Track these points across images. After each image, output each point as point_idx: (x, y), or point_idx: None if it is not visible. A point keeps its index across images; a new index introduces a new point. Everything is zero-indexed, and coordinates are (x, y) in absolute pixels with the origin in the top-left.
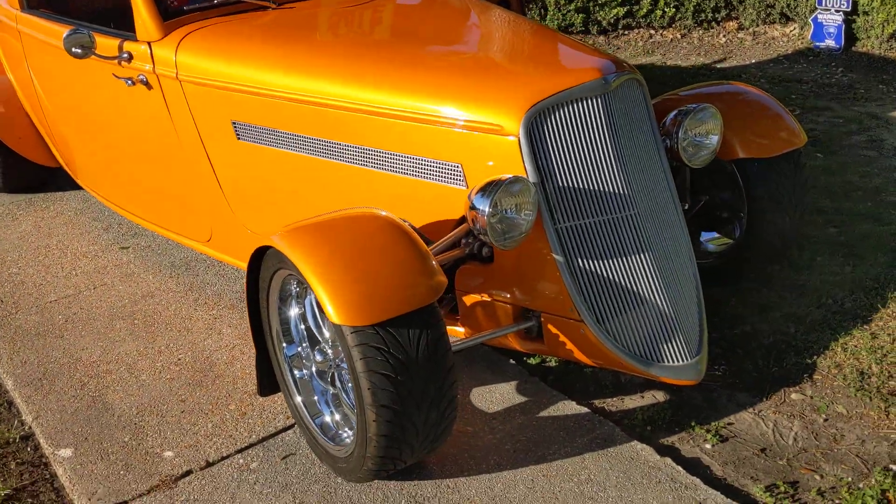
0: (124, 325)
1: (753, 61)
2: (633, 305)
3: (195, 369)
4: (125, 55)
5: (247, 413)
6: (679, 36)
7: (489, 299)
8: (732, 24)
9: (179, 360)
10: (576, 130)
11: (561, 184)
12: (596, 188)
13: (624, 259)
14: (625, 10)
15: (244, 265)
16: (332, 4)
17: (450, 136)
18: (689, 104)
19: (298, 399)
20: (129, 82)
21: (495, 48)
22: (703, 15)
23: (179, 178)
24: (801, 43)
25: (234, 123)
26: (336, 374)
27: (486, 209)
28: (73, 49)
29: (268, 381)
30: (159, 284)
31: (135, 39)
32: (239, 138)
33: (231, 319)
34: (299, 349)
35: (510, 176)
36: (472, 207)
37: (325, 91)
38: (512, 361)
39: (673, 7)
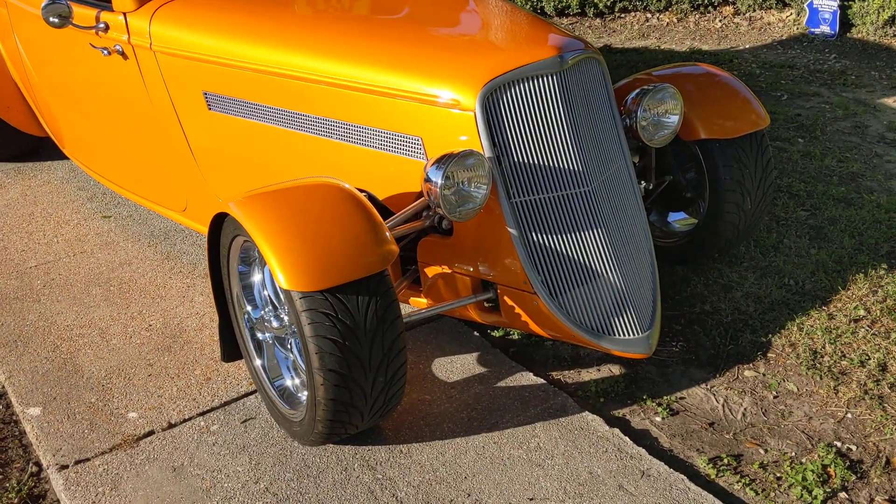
0: (100, 291)
1: (748, 46)
2: (587, 279)
3: (165, 335)
4: (102, 25)
5: (211, 378)
6: (675, 20)
7: (449, 271)
8: (729, 9)
9: (150, 325)
10: (530, 106)
11: (516, 159)
12: (551, 164)
13: (578, 234)
14: None
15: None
16: None
17: (410, 109)
18: (652, 84)
19: (258, 362)
20: (106, 52)
21: (459, 24)
22: None
23: (155, 149)
24: (797, 28)
25: (206, 94)
26: (292, 341)
27: (440, 181)
28: (51, 18)
29: (231, 348)
30: (137, 253)
31: (111, 10)
32: (210, 108)
33: (203, 288)
34: (262, 313)
35: (464, 150)
36: (427, 179)
37: (291, 63)
38: (476, 334)
39: None
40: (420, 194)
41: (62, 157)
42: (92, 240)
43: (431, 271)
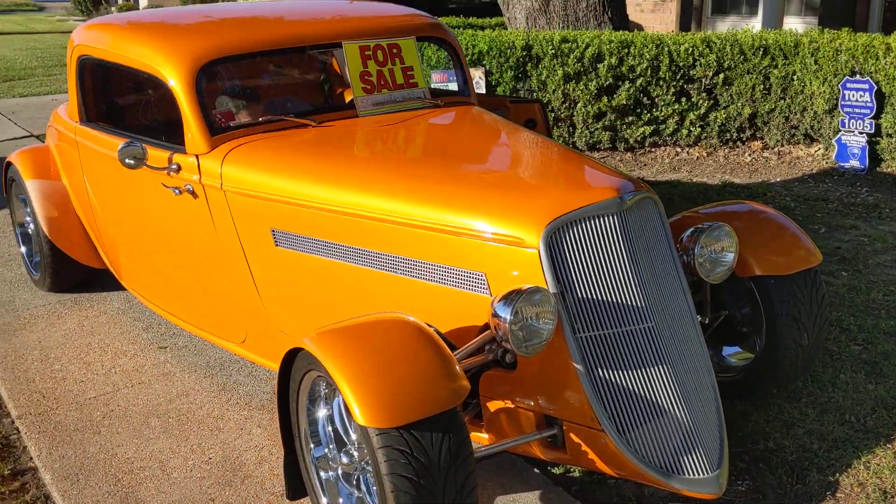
0: (159, 422)
1: (779, 179)
2: (653, 416)
3: (225, 468)
4: (174, 166)
5: None
6: (705, 154)
7: (512, 406)
8: (758, 144)
9: (210, 458)
10: (593, 245)
11: (580, 295)
12: (614, 300)
13: (643, 370)
14: (651, 128)
15: (274, 365)
16: (369, 123)
17: (475, 247)
18: (706, 222)
19: (324, 500)
20: (177, 191)
21: (520, 166)
22: (727, 134)
23: (218, 282)
24: (826, 163)
25: (273, 231)
26: (361, 477)
27: (508, 317)
28: (127, 160)
29: (296, 485)
30: (194, 384)
31: (183, 152)
32: (277, 245)
33: (261, 420)
34: (326, 451)
35: (531, 286)
36: (495, 315)
37: (357, 202)
38: (536, 471)
39: (698, 127)
40: (483, 328)
41: (117, 288)
42: (149, 370)
43: (494, 405)
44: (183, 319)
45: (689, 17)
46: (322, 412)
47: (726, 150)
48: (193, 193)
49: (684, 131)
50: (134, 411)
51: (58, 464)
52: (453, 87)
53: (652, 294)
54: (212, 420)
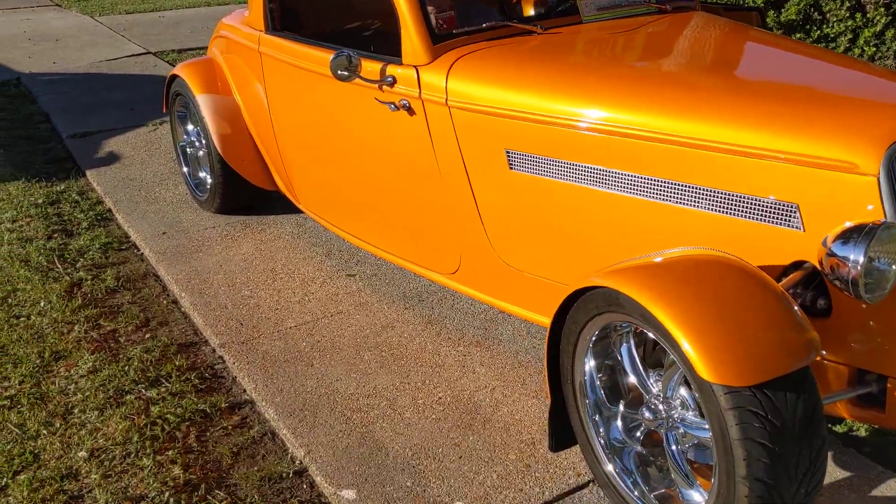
0: (372, 356)
1: None
2: None
3: (459, 410)
4: (388, 79)
5: (531, 465)
6: None
7: (819, 359)
8: None
9: (440, 399)
10: None
11: None
12: None
13: None
14: (821, 46)
15: (491, 300)
16: (600, 29)
17: (784, 172)
18: None
19: (609, 468)
20: (392, 107)
21: (821, 79)
22: None
23: (431, 207)
24: None
25: (508, 152)
26: (669, 436)
27: (860, 258)
28: (339, 72)
29: (561, 437)
30: (396, 315)
31: (399, 63)
32: (511, 167)
33: (481, 357)
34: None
35: (883, 220)
36: (833, 254)
37: (622, 120)
38: None
39: (873, 46)
40: (787, 269)
41: (286, 210)
42: (344, 299)
43: None
44: (379, 246)
45: None
46: (590, 363)
47: None
48: (410, 109)
49: (857, 50)
50: (341, 343)
51: (278, 398)
52: None
53: None
54: (428, 356)
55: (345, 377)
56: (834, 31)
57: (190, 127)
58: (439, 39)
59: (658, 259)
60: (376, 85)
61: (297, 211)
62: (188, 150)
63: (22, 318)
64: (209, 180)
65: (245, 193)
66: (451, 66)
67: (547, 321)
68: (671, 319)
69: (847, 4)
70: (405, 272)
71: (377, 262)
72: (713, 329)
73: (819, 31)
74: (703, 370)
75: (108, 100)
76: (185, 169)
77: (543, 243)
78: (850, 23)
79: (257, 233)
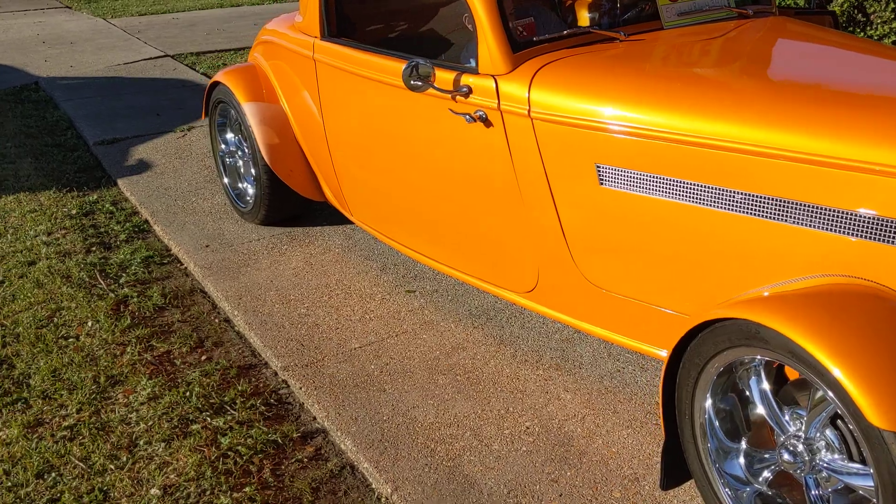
0: (446, 380)
1: None
2: None
3: (551, 441)
4: (463, 89)
5: None
6: None
7: None
8: None
9: (528, 428)
10: None
11: None
12: None
13: None
14: None
15: (571, 319)
16: (684, 36)
17: None
18: None
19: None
20: (468, 118)
21: None
22: None
23: (507, 222)
24: None
25: (599, 167)
26: (808, 480)
27: None
28: (412, 82)
29: (676, 475)
30: (465, 335)
31: (475, 72)
32: (602, 183)
33: (564, 382)
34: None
35: None
36: None
37: (724, 132)
38: None
39: None
40: None
41: (333, 222)
42: (407, 318)
43: None
44: (445, 262)
45: None
46: (711, 400)
47: None
48: (486, 121)
49: None
50: (411, 365)
51: (353, 427)
52: None
53: None
54: (506, 380)
55: (421, 404)
56: (878, 32)
57: (229, 136)
58: (519, 47)
59: (800, 288)
60: (450, 95)
61: (345, 222)
62: (227, 160)
63: (71, 340)
64: (250, 191)
65: (291, 204)
66: (534, 75)
67: (633, 343)
68: (831, 358)
69: (892, 6)
70: (468, 288)
71: (436, 277)
72: (881, 369)
73: (863, 33)
74: (874, 415)
75: (132, 105)
76: (225, 180)
77: (635, 263)
78: (894, 24)
79: (305, 245)
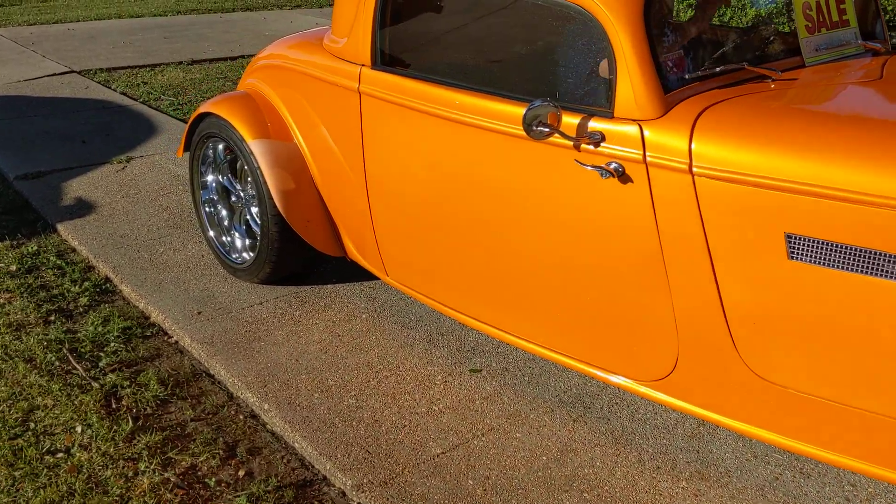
0: (573, 500)
1: None
2: None
3: None
4: (596, 136)
5: None
6: None
7: None
8: None
9: None
10: None
11: None
12: None
13: None
14: None
15: (714, 416)
16: (831, 73)
17: None
18: None
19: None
20: (604, 173)
21: None
22: None
23: (640, 297)
24: None
25: (790, 237)
26: None
27: None
28: (536, 127)
29: None
30: (568, 432)
31: (609, 115)
32: (791, 256)
33: (720, 497)
34: None
35: None
36: None
37: None
38: None
39: None
40: None
41: (340, 279)
42: (486, 409)
43: None
44: (538, 341)
45: None
46: None
47: None
48: (623, 175)
49: None
50: (519, 478)
51: None
52: None
53: None
54: (647, 497)
55: None
56: None
57: (209, 178)
58: (670, 87)
59: None
60: (571, 143)
61: (361, 279)
62: (206, 208)
63: (60, 456)
64: (240, 243)
65: (301, 260)
66: (696, 121)
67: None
68: None
69: None
70: (543, 365)
71: (498, 349)
72: None
73: None
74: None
75: (45, 129)
76: (210, 233)
77: (829, 354)
78: None
79: (322, 311)
